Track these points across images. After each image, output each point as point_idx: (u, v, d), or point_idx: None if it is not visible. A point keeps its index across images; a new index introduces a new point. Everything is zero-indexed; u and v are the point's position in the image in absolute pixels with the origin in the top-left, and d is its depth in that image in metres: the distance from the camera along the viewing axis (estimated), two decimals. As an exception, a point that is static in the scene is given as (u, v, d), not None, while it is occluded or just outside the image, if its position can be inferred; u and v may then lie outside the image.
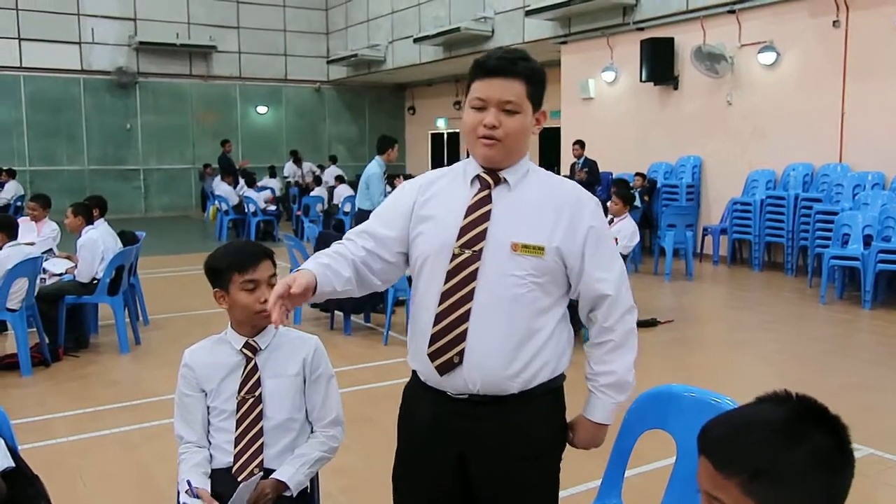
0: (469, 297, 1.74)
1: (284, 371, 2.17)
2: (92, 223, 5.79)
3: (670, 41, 10.71)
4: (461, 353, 1.75)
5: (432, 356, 1.77)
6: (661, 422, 1.98)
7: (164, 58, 17.89)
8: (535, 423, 1.81)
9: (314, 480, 2.28)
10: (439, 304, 1.76)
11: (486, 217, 1.77)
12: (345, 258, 1.82)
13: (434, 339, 1.77)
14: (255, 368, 2.15)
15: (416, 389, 1.90)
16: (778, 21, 9.45)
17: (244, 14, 18.88)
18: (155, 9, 17.68)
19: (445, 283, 1.76)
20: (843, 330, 6.64)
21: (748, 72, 9.86)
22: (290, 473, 2.09)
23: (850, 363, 5.55)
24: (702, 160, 10.62)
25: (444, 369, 1.77)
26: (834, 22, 8.83)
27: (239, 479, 2.07)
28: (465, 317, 1.74)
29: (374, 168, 7.68)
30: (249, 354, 2.16)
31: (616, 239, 5.86)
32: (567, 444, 1.92)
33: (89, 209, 5.87)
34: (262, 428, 2.13)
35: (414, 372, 1.90)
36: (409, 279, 1.93)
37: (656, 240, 9.78)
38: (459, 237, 1.76)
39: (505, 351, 1.74)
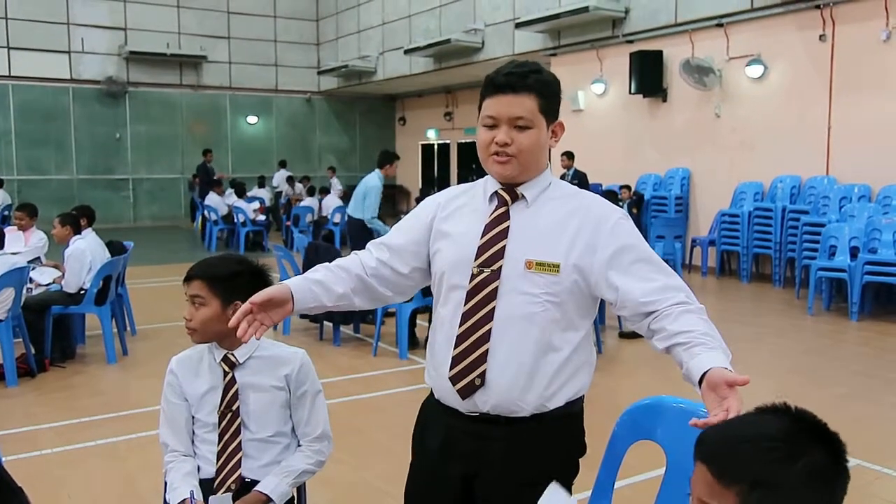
0: (490, 316, 1.69)
1: (265, 386, 2.14)
2: (79, 233, 5.76)
3: (659, 54, 10.79)
4: (483, 375, 1.70)
5: (454, 379, 1.72)
6: (650, 433, 1.98)
7: (154, 67, 17.86)
8: (546, 448, 1.75)
9: (301, 490, 2.26)
10: (460, 325, 1.72)
11: (503, 234, 1.72)
12: (347, 272, 1.79)
13: (455, 361, 1.72)
14: (233, 382, 2.12)
15: (431, 406, 1.86)
16: (765, 35, 9.54)
17: (235, 24, 18.89)
18: (145, 18, 17.66)
19: (466, 303, 1.71)
20: (830, 341, 6.67)
21: (736, 85, 9.94)
22: (273, 485, 2.07)
23: (838, 374, 5.57)
24: (690, 172, 10.69)
25: (466, 392, 1.71)
26: (820, 36, 8.92)
27: (220, 493, 2.05)
28: (486, 337, 1.69)
29: (375, 181, 7.75)
30: (226, 368, 2.13)
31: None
32: (578, 472, 1.82)
33: (77, 219, 5.83)
34: (240, 442, 2.11)
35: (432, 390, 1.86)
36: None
37: (645, 251, 9.80)
38: (478, 256, 1.71)
39: (515, 370, 1.69)
